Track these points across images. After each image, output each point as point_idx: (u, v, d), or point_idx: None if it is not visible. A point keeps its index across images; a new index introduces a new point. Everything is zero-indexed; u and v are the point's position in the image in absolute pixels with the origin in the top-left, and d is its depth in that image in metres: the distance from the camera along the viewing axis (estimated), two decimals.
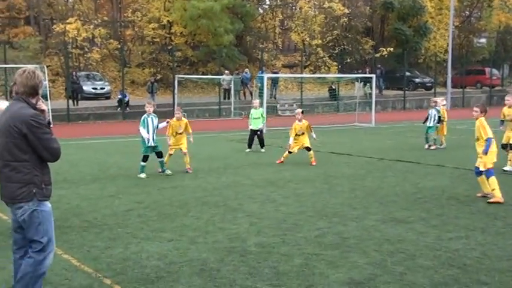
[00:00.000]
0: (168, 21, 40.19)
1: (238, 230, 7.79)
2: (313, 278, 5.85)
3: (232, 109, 33.44)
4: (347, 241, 7.18)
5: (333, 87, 38.68)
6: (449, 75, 41.15)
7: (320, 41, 45.70)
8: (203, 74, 40.71)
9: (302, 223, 8.12)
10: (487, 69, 48.71)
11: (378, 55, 46.16)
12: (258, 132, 17.17)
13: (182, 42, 40.94)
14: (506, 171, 12.32)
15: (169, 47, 39.61)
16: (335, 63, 45.16)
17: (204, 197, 10.05)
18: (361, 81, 36.18)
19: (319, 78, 41.96)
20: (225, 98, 34.89)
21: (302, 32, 46.22)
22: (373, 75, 30.45)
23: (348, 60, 46.42)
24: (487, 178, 9.55)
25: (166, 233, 7.64)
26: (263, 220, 8.32)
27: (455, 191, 10.39)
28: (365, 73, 38.01)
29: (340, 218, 8.43)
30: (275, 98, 36.16)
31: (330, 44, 47.16)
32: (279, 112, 34.26)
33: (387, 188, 10.74)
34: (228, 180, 11.80)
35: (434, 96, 41.66)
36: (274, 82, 36.65)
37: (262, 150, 16.98)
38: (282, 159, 14.34)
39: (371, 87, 31.67)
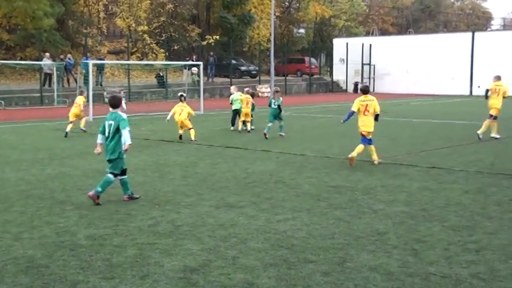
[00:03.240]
0: None
1: (67, 223, 7.41)
2: (147, 268, 5.77)
3: (55, 97, 31.72)
4: (181, 228, 7.19)
5: (161, 74, 38.46)
6: (272, 63, 42.89)
7: (146, 27, 45.12)
8: (21, 59, 38.02)
9: (135, 213, 7.96)
10: (307, 58, 51.81)
11: (204, 43, 46.74)
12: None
13: None
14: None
15: None
16: (162, 50, 44.88)
17: (28, 190, 9.41)
18: (189, 69, 36.39)
19: (147, 65, 41.43)
20: (44, 84, 32.92)
21: (127, 18, 45.21)
22: (201, 63, 30.73)
23: (176, 47, 46.41)
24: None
25: None
26: (93, 212, 8.01)
27: (282, 174, 10.89)
28: (193, 60, 38.27)
29: (173, 205, 8.41)
30: (101, 85, 35.01)
31: (157, 31, 46.78)
32: (106, 100, 33.20)
33: (219, 174, 10.93)
34: (54, 172, 11.18)
35: (259, 84, 43.43)
36: (100, 69, 35.52)
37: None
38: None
39: (199, 75, 31.97)
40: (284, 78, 45.77)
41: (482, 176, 10.74)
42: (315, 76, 51.67)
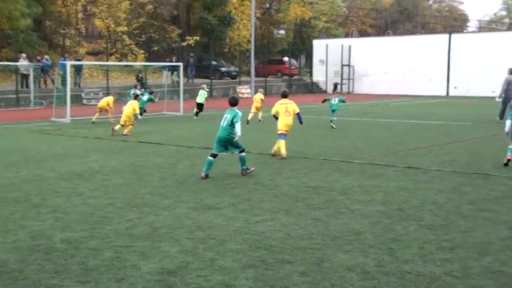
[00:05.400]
0: None
1: (42, 226, 7.33)
2: (124, 270, 5.73)
3: (31, 98, 31.37)
4: (158, 231, 7.15)
5: (140, 75, 38.24)
6: (253, 64, 43.04)
7: (126, 28, 44.81)
8: None
9: (111, 215, 7.91)
10: (286, 59, 51.88)
11: (184, 44, 46.60)
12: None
13: None
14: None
15: None
16: (142, 51, 44.63)
17: (1, 194, 9.28)
18: (169, 70, 36.24)
19: (126, 66, 41.17)
20: (22, 86, 32.59)
21: (107, 19, 44.89)
22: (181, 64, 30.63)
23: (155, 48, 46.19)
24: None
25: None
26: (69, 215, 7.94)
27: (261, 175, 10.89)
28: (172, 61, 38.13)
29: (151, 207, 8.36)
30: (79, 86, 34.75)
31: (137, 32, 46.50)
32: (84, 101, 32.98)
33: (197, 176, 10.88)
34: (29, 174, 11.05)
35: (240, 84, 43.46)
36: (78, 70, 35.21)
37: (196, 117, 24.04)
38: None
39: (178, 76, 31.88)
40: (264, 79, 45.80)
41: (457, 175, 10.87)
42: (294, 77, 51.80)
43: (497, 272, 5.70)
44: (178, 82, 32.26)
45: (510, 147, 11.93)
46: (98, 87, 36.20)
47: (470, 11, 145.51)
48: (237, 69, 47.44)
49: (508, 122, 12.10)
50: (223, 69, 46.98)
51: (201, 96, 24.94)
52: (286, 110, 13.41)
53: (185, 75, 39.08)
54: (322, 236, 6.90)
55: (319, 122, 22.98)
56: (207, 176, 10.58)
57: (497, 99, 22.72)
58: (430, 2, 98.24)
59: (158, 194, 9.33)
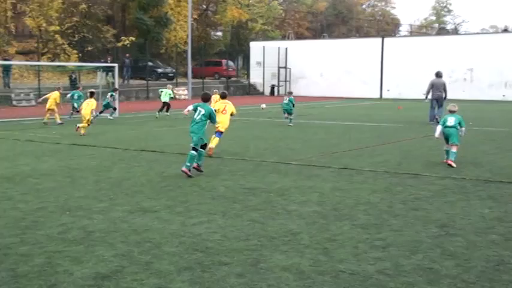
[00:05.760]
0: None
1: None
2: (56, 276, 5.58)
3: None
4: (92, 235, 7.00)
5: (73, 76, 37.34)
6: (190, 66, 42.77)
7: (58, 28, 43.61)
8: None
9: (43, 220, 7.68)
10: (224, 61, 51.95)
11: (119, 44, 45.83)
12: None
13: None
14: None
15: None
16: (75, 51, 43.57)
17: None
18: (103, 71, 35.55)
19: (59, 66, 40.09)
20: None
21: (38, 17, 43.55)
22: (116, 65, 30.08)
23: (89, 48, 45.21)
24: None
25: None
26: None
27: (198, 177, 10.84)
28: (107, 62, 37.41)
29: (85, 211, 8.18)
30: (9, 86, 33.56)
31: (69, 31, 45.34)
32: (14, 102, 31.86)
33: (133, 179, 10.74)
34: None
35: (177, 86, 43.12)
36: (7, 70, 34.01)
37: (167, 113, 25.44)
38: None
39: (113, 77, 31.32)
40: (202, 80, 45.65)
41: (389, 175, 11.19)
42: (232, 79, 51.89)
43: (427, 269, 5.90)
44: (113, 83, 31.67)
45: (444, 148, 12.49)
46: (29, 88, 35.06)
47: (402, 16, 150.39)
48: (174, 70, 47.04)
49: (438, 128, 12.59)
50: (159, 70, 46.51)
51: (166, 95, 25.83)
52: (224, 108, 14.06)
53: (120, 76, 38.46)
54: (258, 237, 6.94)
55: (256, 123, 23.13)
56: (199, 166, 11.11)
57: (425, 101, 23.61)
58: (364, 6, 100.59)
59: (92, 197, 9.13)
